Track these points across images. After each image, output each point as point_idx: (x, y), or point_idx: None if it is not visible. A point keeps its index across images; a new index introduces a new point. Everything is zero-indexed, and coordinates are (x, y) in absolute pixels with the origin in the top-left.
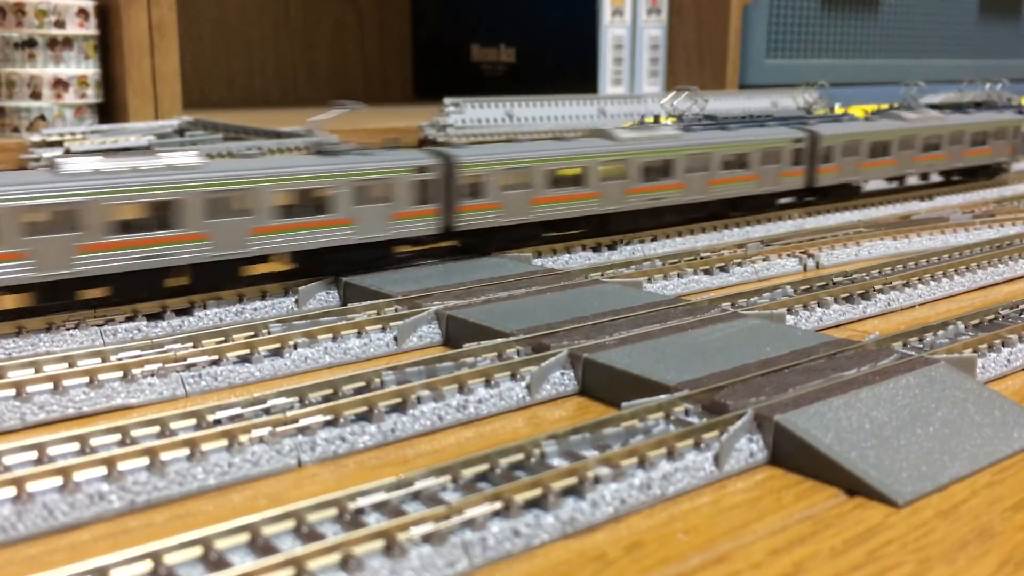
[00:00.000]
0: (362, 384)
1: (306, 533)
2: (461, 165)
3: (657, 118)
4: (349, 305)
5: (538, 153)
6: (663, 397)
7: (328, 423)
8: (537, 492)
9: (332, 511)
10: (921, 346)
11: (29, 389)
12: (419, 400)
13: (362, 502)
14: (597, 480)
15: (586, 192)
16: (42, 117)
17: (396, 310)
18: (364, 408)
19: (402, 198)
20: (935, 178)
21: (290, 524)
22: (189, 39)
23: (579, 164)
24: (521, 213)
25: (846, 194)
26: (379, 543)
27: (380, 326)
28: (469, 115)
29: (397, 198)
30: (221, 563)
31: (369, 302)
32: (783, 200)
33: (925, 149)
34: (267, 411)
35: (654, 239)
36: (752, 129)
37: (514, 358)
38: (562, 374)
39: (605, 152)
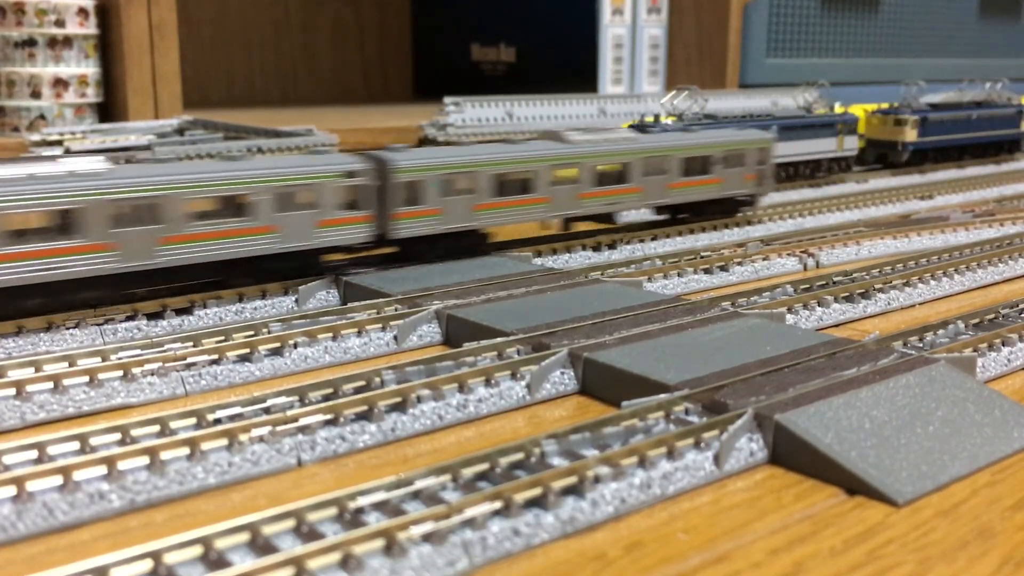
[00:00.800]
0: (362, 383)
1: (306, 532)
2: None
3: (657, 117)
4: (349, 304)
5: None
6: (663, 396)
7: (328, 422)
8: (537, 491)
9: (332, 510)
10: (921, 345)
11: (29, 388)
12: (419, 399)
13: (362, 501)
14: (597, 479)
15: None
16: (42, 116)
17: (396, 309)
18: (364, 407)
19: None
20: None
21: (290, 523)
22: (189, 39)
23: None
24: None
25: (467, 248)
26: (379, 542)
27: (380, 325)
28: (469, 114)
29: None
30: (221, 563)
31: (369, 301)
32: (339, 260)
33: (601, 182)
34: (267, 410)
35: (654, 238)
36: (294, 158)
37: (514, 357)
38: (562, 373)
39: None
